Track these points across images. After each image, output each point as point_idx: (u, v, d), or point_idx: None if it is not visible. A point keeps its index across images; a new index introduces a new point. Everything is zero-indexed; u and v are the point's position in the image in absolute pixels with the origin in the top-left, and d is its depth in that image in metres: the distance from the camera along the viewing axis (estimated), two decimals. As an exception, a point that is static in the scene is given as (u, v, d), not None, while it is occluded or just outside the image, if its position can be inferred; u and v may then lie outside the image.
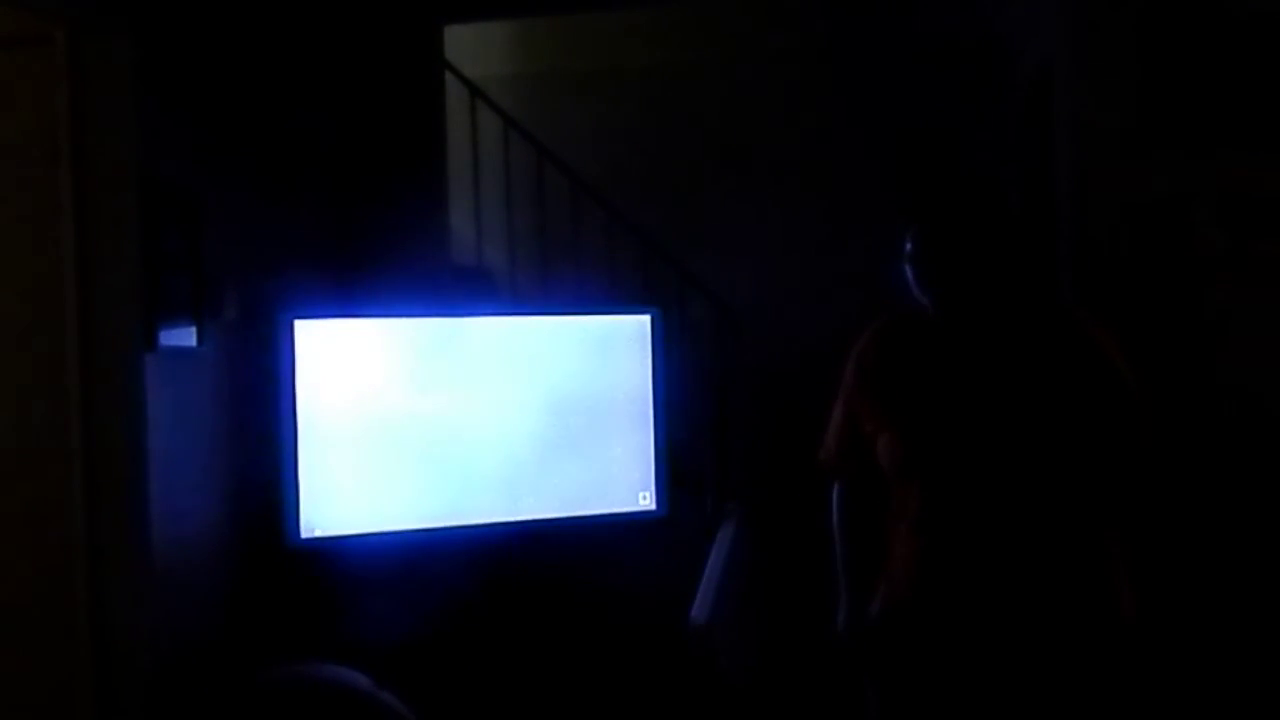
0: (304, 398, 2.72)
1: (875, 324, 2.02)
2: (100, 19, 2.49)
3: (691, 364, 3.90)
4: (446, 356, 2.88)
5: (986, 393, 1.84)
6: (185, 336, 2.72)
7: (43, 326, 2.52)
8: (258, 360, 2.85)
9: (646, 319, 3.05)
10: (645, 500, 3.03)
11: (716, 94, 4.86)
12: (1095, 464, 1.83)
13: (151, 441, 2.55)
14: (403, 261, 3.41)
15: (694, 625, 2.88)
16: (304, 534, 2.73)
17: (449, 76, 3.96)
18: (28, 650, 2.54)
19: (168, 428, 2.61)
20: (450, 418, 2.86)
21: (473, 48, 4.40)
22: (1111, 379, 1.83)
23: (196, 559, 2.77)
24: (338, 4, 3.47)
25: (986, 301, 1.88)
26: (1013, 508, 1.81)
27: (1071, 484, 1.83)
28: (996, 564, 1.82)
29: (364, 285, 3.31)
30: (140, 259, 2.53)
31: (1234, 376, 2.73)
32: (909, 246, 1.90)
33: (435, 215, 3.66)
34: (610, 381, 3.00)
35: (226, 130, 2.94)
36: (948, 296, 1.88)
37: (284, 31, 3.23)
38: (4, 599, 2.54)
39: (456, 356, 2.88)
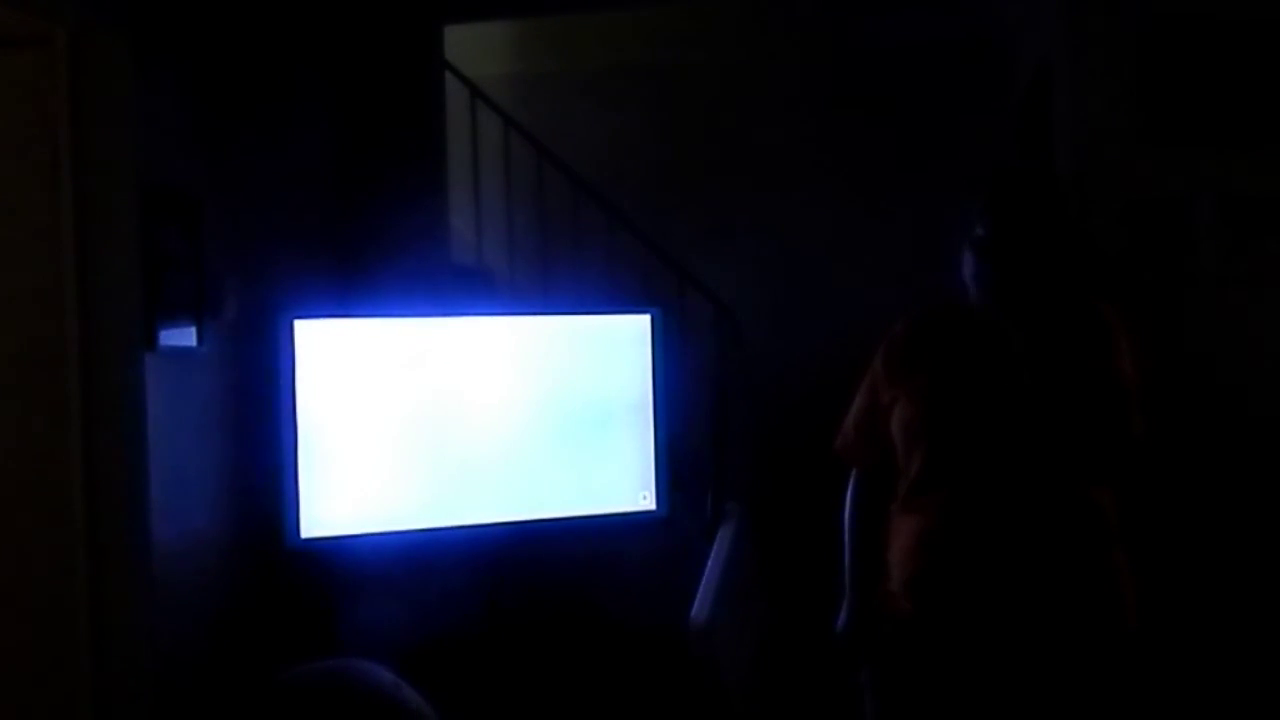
0: (304, 398, 2.72)
1: (910, 315, 2.00)
2: (100, 19, 2.49)
3: (691, 364, 3.90)
4: (447, 356, 2.87)
5: (1009, 378, 1.83)
6: (185, 336, 2.72)
7: (43, 326, 2.52)
8: (258, 360, 2.85)
9: (646, 319, 3.04)
10: (645, 500, 3.02)
11: (717, 94, 4.86)
12: (1086, 457, 1.83)
13: (151, 441, 2.55)
14: (403, 261, 3.41)
15: (694, 625, 2.88)
16: (304, 534, 2.72)
17: (449, 76, 3.96)
18: (28, 650, 2.54)
19: (168, 428, 2.61)
20: (450, 418, 2.86)
21: (473, 48, 4.40)
22: (1114, 382, 1.83)
23: (196, 559, 2.77)
24: (338, 4, 3.47)
25: (1044, 292, 1.87)
26: (1016, 496, 1.81)
27: (1077, 482, 1.83)
28: (994, 559, 1.82)
29: (364, 285, 3.31)
30: (140, 259, 2.53)
31: (1234, 376, 2.73)
32: (981, 231, 1.87)
33: (435, 215, 3.66)
34: (610, 381, 2.99)
35: (226, 130, 2.94)
36: (1012, 284, 1.86)
37: (284, 32, 3.23)
38: (4, 599, 2.54)
39: (457, 356, 2.88)
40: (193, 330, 2.75)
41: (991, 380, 1.84)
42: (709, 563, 3.22)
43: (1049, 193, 1.90)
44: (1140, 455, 1.87)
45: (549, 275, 4.40)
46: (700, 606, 2.94)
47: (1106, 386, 1.82)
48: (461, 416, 2.87)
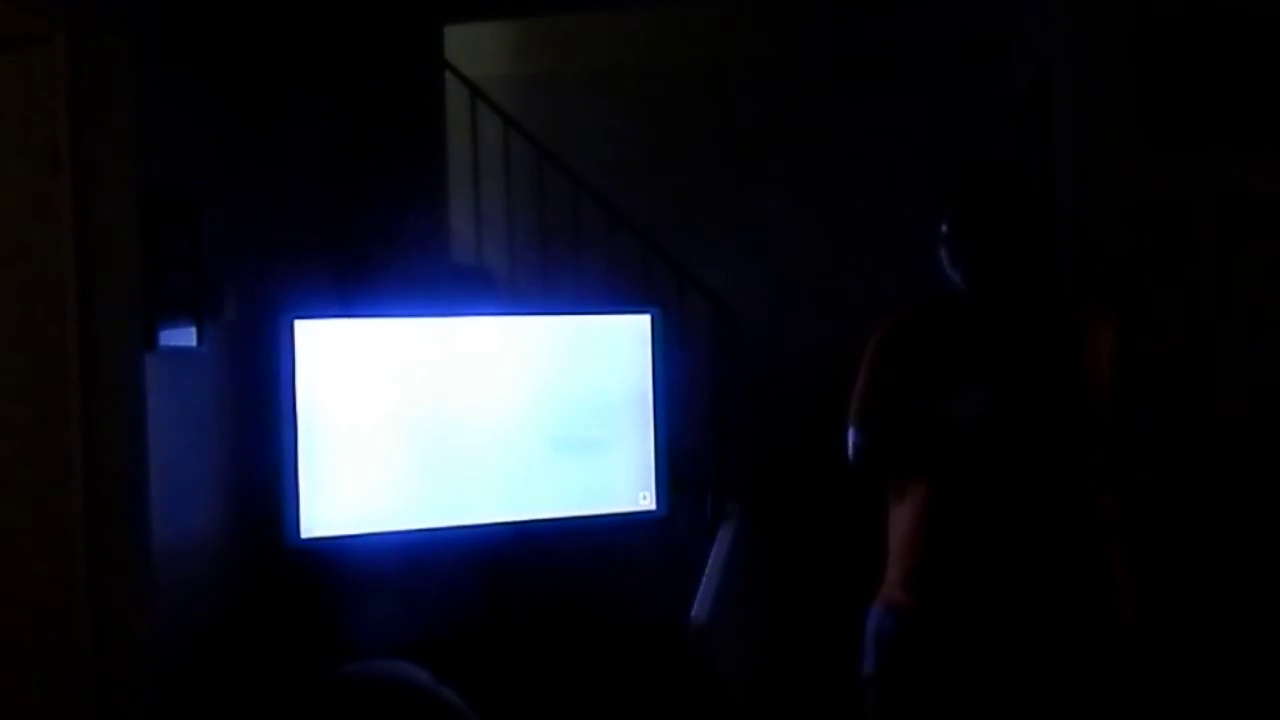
0: (304, 398, 2.72)
1: (897, 311, 2.00)
2: (100, 19, 2.49)
3: (691, 364, 3.90)
4: (446, 356, 2.87)
5: (1004, 380, 1.85)
6: (185, 336, 2.72)
7: (43, 326, 2.52)
8: (258, 360, 2.85)
9: (646, 319, 3.05)
10: (645, 500, 3.02)
11: (716, 94, 4.86)
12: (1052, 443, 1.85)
13: (151, 442, 2.55)
14: (403, 261, 3.41)
15: (694, 625, 2.88)
16: (304, 534, 2.72)
17: (449, 76, 3.96)
18: (28, 651, 2.54)
19: (168, 428, 2.61)
20: (450, 418, 2.86)
21: (473, 48, 4.40)
22: (1079, 370, 1.85)
23: (196, 559, 2.77)
24: (338, 4, 3.47)
25: (1018, 283, 1.89)
26: (1019, 498, 1.82)
27: (1073, 478, 1.84)
28: (997, 561, 1.82)
29: (364, 285, 3.31)
30: (140, 259, 2.53)
31: (1233, 377, 2.73)
32: (945, 227, 1.93)
33: (435, 215, 3.65)
34: (610, 382, 3.00)
35: (226, 130, 2.94)
36: (982, 276, 1.89)
37: (284, 31, 3.23)
38: (5, 600, 2.54)
39: (456, 356, 2.88)
40: (193, 330, 2.75)
41: (977, 373, 1.86)
42: (709, 563, 3.22)
43: (1013, 182, 1.94)
44: (1109, 440, 1.88)
45: (549, 275, 4.39)
46: (700, 606, 2.94)
47: (1070, 375, 1.85)
48: (461, 416, 2.87)
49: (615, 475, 3.00)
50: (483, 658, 2.95)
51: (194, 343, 2.75)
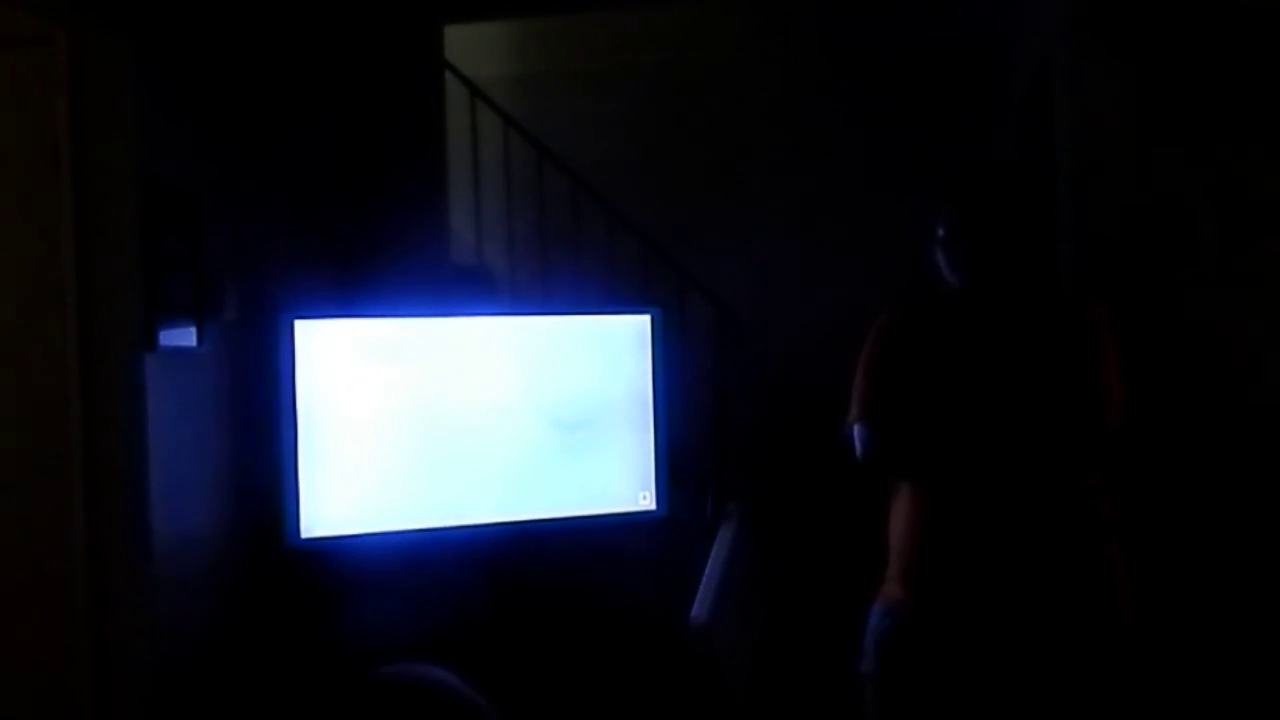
0: (304, 398, 2.72)
1: (893, 308, 2.01)
2: (101, 19, 2.49)
3: (691, 364, 3.90)
4: (446, 356, 2.87)
5: (1001, 376, 1.85)
6: (185, 336, 2.72)
7: (43, 326, 2.52)
8: (258, 360, 2.85)
9: (646, 319, 3.05)
10: (645, 500, 3.02)
11: (716, 94, 4.86)
12: (1063, 450, 1.85)
13: (151, 441, 2.55)
14: (403, 261, 3.41)
15: (694, 625, 2.88)
16: (304, 534, 2.73)
17: (449, 76, 3.96)
18: (28, 650, 2.54)
19: (168, 428, 2.61)
20: (450, 418, 2.86)
21: (473, 48, 4.40)
22: (1092, 378, 1.85)
23: (197, 559, 2.77)
24: (338, 4, 3.47)
25: (1015, 284, 1.90)
26: (1018, 496, 1.83)
27: (1072, 477, 1.84)
28: (996, 559, 1.83)
29: (364, 285, 3.31)
30: (140, 259, 2.53)
31: (1233, 376, 2.73)
32: (941, 231, 1.92)
33: (435, 215, 3.66)
34: (610, 381, 3.00)
35: (226, 130, 2.94)
36: (980, 278, 1.89)
37: (284, 31, 3.23)
38: (4, 599, 2.54)
39: (456, 356, 2.88)
40: (193, 330, 2.75)
41: (973, 372, 1.86)
42: (709, 563, 3.22)
43: (1010, 183, 1.95)
44: (1118, 445, 1.88)
45: (549, 275, 4.40)
46: (700, 606, 2.94)
47: (1083, 382, 1.85)
48: (461, 416, 2.87)
49: (615, 475, 3.01)
50: (484, 658, 2.95)
51: (194, 343, 2.75)
